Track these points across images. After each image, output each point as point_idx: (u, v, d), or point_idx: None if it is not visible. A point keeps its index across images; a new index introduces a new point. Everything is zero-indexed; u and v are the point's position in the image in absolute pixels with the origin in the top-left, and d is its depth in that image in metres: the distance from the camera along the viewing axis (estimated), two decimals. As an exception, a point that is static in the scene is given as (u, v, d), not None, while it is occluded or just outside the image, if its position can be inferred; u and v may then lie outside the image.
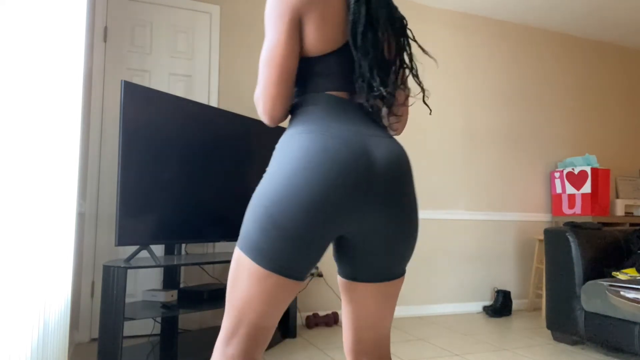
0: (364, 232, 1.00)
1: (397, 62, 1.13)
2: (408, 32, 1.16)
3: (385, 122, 1.13)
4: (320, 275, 3.61)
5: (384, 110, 1.11)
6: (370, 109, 1.07)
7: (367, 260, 1.03)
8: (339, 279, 1.11)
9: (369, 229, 0.99)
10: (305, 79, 1.08)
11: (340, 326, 3.47)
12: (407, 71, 1.20)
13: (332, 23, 1.05)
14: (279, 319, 1.01)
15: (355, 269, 1.05)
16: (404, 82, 1.16)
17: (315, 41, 1.04)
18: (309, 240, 0.93)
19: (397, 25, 1.13)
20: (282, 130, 3.22)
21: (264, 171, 3.09)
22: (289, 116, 1.11)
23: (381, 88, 1.04)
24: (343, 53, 1.06)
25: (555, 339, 3.12)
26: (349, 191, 0.93)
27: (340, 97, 1.06)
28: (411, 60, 1.16)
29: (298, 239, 0.92)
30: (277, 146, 1.04)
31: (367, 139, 0.99)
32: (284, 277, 0.95)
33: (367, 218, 0.98)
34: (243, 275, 0.96)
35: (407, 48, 1.16)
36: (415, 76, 1.16)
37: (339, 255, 1.08)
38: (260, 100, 1.04)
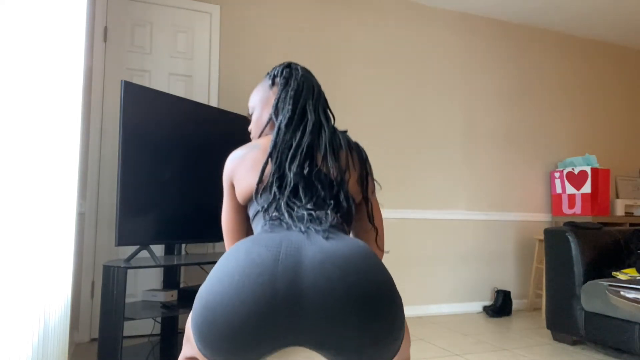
0: (316, 348, 0.93)
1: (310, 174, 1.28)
2: None
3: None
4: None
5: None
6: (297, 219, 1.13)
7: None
8: None
9: (317, 347, 0.92)
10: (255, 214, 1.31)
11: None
12: None
13: (252, 176, 1.31)
14: None
15: None
16: None
17: (246, 193, 1.31)
18: (234, 358, 0.92)
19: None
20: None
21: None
22: None
23: None
24: (267, 187, 1.27)
25: (555, 339, 3.12)
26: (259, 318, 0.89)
27: (273, 217, 1.20)
28: None
29: (223, 354, 0.92)
30: None
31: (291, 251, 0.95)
32: None
33: (310, 339, 0.91)
34: (189, 337, 1.05)
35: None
36: None
37: None
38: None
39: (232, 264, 0.93)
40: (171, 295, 2.59)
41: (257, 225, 1.15)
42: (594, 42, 4.87)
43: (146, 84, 3.25)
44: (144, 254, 2.97)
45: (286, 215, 1.07)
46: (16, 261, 1.04)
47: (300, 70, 1.32)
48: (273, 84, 1.34)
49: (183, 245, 3.08)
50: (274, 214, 1.10)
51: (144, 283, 3.16)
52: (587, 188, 4.09)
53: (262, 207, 1.13)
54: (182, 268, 3.17)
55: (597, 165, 4.18)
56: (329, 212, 1.09)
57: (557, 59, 4.66)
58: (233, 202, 1.29)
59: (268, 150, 1.19)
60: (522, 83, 4.49)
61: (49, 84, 1.33)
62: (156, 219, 2.44)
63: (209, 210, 2.73)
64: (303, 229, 1.01)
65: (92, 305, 3.03)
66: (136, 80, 3.23)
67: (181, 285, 3.12)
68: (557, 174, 4.37)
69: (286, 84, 1.30)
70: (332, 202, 1.12)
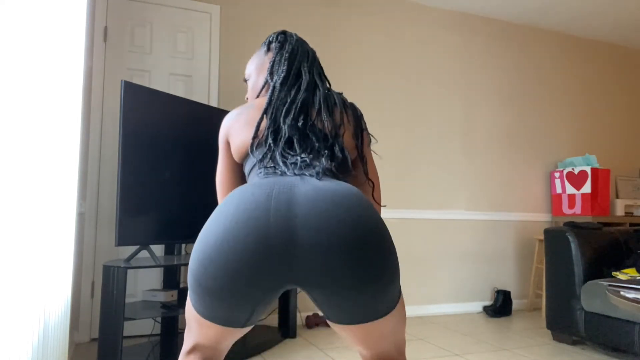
0: (310, 286, 0.92)
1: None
2: None
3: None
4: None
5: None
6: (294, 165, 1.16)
7: (333, 308, 0.95)
8: None
9: (312, 283, 0.91)
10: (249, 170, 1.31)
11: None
12: None
13: (247, 132, 1.31)
14: (229, 346, 1.07)
15: (327, 313, 0.98)
16: None
17: (241, 148, 1.31)
18: (235, 301, 0.92)
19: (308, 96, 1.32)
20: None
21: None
22: None
23: None
24: (260, 144, 1.29)
25: (555, 339, 3.12)
26: (259, 254, 0.88)
27: (268, 167, 1.20)
28: None
29: (222, 299, 0.92)
30: None
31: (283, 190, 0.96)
32: (219, 325, 0.98)
33: (299, 276, 0.90)
34: (190, 317, 1.03)
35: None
36: None
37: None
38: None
39: (227, 207, 0.94)
40: (171, 295, 2.59)
41: (253, 177, 1.16)
42: (594, 42, 4.87)
43: (146, 84, 3.25)
44: (144, 254, 2.97)
45: (281, 163, 1.08)
46: (16, 261, 1.04)
47: (294, 36, 1.35)
48: (268, 49, 1.36)
49: (183, 245, 3.08)
50: (269, 164, 1.11)
51: (144, 283, 3.16)
52: (587, 188, 4.09)
53: (257, 159, 1.15)
54: (182, 268, 3.17)
55: (597, 165, 4.18)
56: (322, 160, 1.10)
57: (557, 59, 4.66)
58: (229, 161, 1.29)
59: (263, 107, 1.21)
60: (522, 83, 4.49)
61: (49, 84, 1.33)
62: (156, 219, 2.44)
63: (209, 210, 2.73)
64: (297, 172, 1.04)
65: (92, 305, 3.03)
66: (136, 80, 3.23)
67: (181, 285, 3.12)
68: (557, 174, 4.37)
69: (281, 47, 1.32)
70: (326, 152, 1.13)
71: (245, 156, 1.22)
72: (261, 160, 1.14)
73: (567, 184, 4.27)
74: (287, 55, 1.29)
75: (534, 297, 4.22)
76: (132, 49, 3.23)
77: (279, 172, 1.08)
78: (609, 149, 4.84)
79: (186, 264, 2.44)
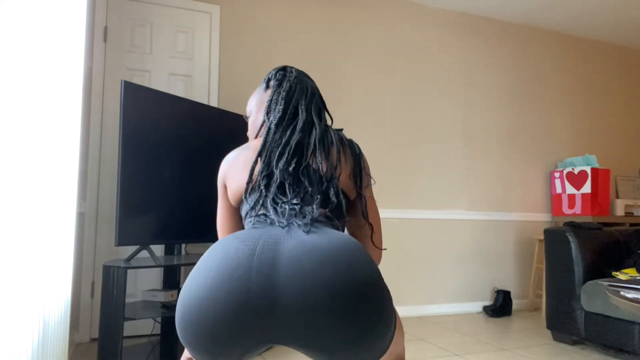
0: (296, 346, 0.90)
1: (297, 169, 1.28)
2: None
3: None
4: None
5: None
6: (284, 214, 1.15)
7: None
8: None
9: (298, 345, 0.89)
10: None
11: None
12: None
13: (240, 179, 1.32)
14: None
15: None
16: None
17: (236, 194, 1.31)
18: (216, 356, 0.90)
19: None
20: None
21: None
22: None
23: None
24: (253, 189, 1.29)
25: (555, 339, 3.11)
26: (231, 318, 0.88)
27: (260, 215, 1.20)
28: None
29: (204, 352, 0.91)
30: None
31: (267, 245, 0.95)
32: None
33: (289, 338, 0.88)
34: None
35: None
36: None
37: None
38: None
39: (210, 261, 0.93)
40: (171, 295, 2.59)
41: (247, 224, 1.16)
42: (594, 42, 4.87)
43: (146, 84, 3.25)
44: (144, 254, 2.97)
45: (271, 211, 1.07)
46: (16, 261, 1.04)
47: (294, 72, 1.33)
48: (267, 87, 1.35)
49: (183, 245, 3.08)
50: (260, 212, 1.10)
51: (144, 283, 3.16)
52: (587, 188, 4.09)
53: (250, 206, 1.15)
54: (182, 268, 3.17)
55: (597, 165, 4.18)
56: (314, 206, 1.07)
57: (557, 59, 4.66)
58: (226, 204, 1.29)
59: (258, 150, 1.20)
60: (522, 83, 4.49)
61: (49, 84, 1.33)
62: (156, 219, 2.44)
63: (209, 210, 2.73)
64: (285, 223, 1.00)
65: (92, 305, 3.03)
66: (136, 80, 3.23)
67: (181, 286, 3.12)
68: (557, 174, 4.37)
69: (279, 85, 1.31)
70: (319, 197, 1.11)
71: (241, 201, 1.21)
72: (253, 208, 1.13)
73: (567, 184, 4.27)
74: (284, 94, 1.27)
75: (534, 297, 4.22)
76: (132, 49, 3.23)
77: (269, 222, 1.06)
78: (609, 149, 4.84)
79: (186, 264, 2.44)
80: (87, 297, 3.01)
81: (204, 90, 3.40)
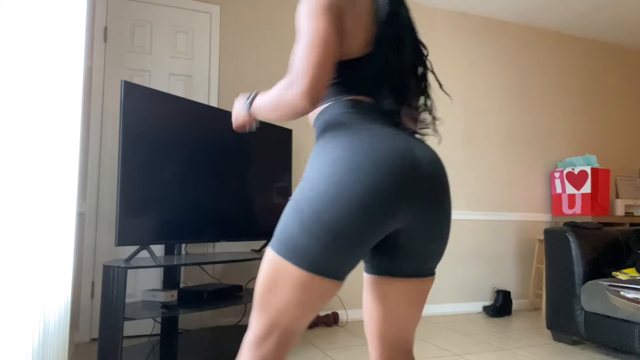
0: (409, 230, 0.99)
1: (420, 71, 1.18)
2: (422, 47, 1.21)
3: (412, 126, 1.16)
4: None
5: (410, 116, 1.15)
6: (397, 114, 1.09)
7: (407, 256, 1.03)
8: (369, 277, 1.08)
9: (413, 226, 0.99)
10: (332, 83, 1.08)
11: (340, 326, 3.47)
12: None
13: (363, 28, 1.06)
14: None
15: (394, 264, 1.04)
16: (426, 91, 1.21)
17: (347, 44, 1.04)
18: (361, 241, 0.92)
19: (418, 39, 1.19)
20: (284, 130, 3.22)
21: (264, 171, 3.09)
22: (315, 120, 1.11)
23: (408, 95, 1.12)
24: (371, 58, 1.08)
25: (555, 339, 3.11)
26: (396, 190, 0.92)
27: (368, 102, 1.08)
28: (426, 74, 1.22)
29: (349, 241, 0.91)
30: (315, 151, 1.01)
31: (408, 139, 0.99)
32: (330, 279, 0.93)
33: (413, 216, 0.97)
34: (283, 282, 0.94)
35: (426, 61, 1.21)
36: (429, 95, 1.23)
37: (376, 251, 1.06)
38: (300, 81, 0.94)
39: (380, 149, 0.94)
40: (171, 295, 2.59)
41: (364, 108, 1.06)
42: (594, 42, 4.87)
43: (146, 84, 3.25)
44: (144, 254, 2.96)
45: (395, 110, 1.09)
46: (16, 261, 1.04)
47: None
48: None
49: (183, 245, 3.08)
50: (381, 100, 1.09)
51: (144, 283, 3.16)
52: (587, 188, 4.09)
53: (369, 83, 1.08)
54: (182, 268, 3.17)
55: (597, 165, 4.18)
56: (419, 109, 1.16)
57: (557, 59, 4.66)
58: (337, 27, 1.00)
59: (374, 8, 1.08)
60: (522, 83, 4.49)
61: (49, 84, 1.33)
62: (156, 219, 2.44)
63: (209, 210, 2.73)
64: (410, 130, 1.11)
65: (92, 305, 3.03)
66: (136, 80, 3.23)
67: (181, 285, 3.12)
68: (557, 174, 4.37)
69: None
70: (424, 101, 1.17)
71: (351, 60, 1.06)
72: (360, 84, 1.08)
73: (567, 184, 4.27)
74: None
75: (534, 297, 4.22)
76: (132, 49, 3.23)
77: (379, 113, 1.06)
78: (609, 149, 4.84)
79: (186, 264, 2.44)
80: (87, 297, 3.02)
81: (204, 90, 3.40)
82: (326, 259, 0.91)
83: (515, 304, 4.25)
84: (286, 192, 3.25)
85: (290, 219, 0.94)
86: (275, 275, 0.95)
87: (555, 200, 4.40)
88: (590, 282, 2.83)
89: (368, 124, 1.00)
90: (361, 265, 3.92)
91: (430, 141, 3.28)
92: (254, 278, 3.44)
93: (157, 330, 3.14)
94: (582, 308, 2.86)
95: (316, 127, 1.09)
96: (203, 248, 3.32)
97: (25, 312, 1.14)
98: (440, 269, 4.02)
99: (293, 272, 0.93)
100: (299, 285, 0.93)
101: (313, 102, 0.95)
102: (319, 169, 0.95)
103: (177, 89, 3.33)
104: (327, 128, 1.04)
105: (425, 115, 1.17)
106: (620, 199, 4.58)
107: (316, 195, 0.92)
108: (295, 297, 0.93)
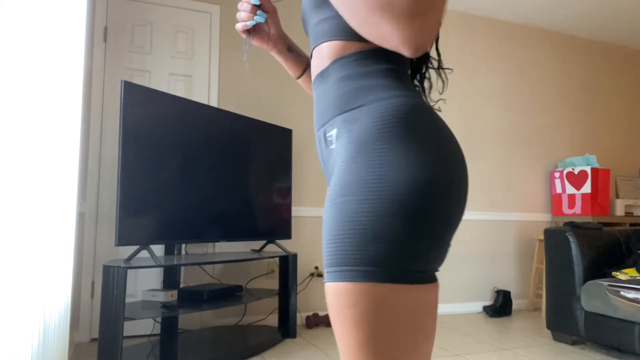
0: None
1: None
2: None
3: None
4: (320, 275, 3.61)
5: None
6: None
7: None
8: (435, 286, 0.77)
9: None
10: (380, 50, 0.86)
11: (340, 326, 3.46)
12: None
13: None
14: None
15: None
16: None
17: None
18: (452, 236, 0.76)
19: None
20: (284, 130, 3.22)
21: (264, 171, 3.09)
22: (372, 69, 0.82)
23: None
24: None
25: (555, 339, 3.11)
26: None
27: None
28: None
29: (450, 238, 0.74)
30: (399, 113, 0.74)
31: None
32: (435, 284, 0.73)
33: None
34: (402, 316, 0.67)
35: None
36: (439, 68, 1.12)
37: None
38: (415, 21, 0.66)
39: (455, 143, 0.78)
40: (171, 295, 2.59)
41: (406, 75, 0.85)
42: (594, 42, 4.87)
43: (146, 84, 3.25)
44: (144, 254, 2.96)
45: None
46: (16, 261, 1.04)
47: None
48: None
49: (183, 245, 3.08)
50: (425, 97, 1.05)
51: (144, 283, 3.16)
52: (587, 188, 4.09)
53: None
54: (182, 268, 3.17)
55: (597, 165, 4.18)
56: None
57: (557, 59, 4.66)
58: None
59: None
60: (522, 83, 4.49)
61: (49, 84, 1.33)
62: (156, 219, 2.44)
63: (209, 210, 2.73)
64: None
65: (92, 305, 3.03)
66: (136, 80, 3.23)
67: (181, 285, 3.12)
68: (557, 174, 4.37)
69: None
70: None
71: None
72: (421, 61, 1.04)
73: (567, 184, 4.27)
74: None
75: (534, 297, 4.22)
76: (132, 49, 3.23)
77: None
78: (609, 149, 4.84)
79: (186, 264, 2.44)
80: (87, 297, 3.02)
81: (204, 90, 3.40)
82: (438, 264, 0.73)
83: (515, 304, 4.25)
84: (286, 192, 3.25)
85: (398, 225, 0.68)
86: (382, 314, 0.67)
87: (555, 200, 4.40)
88: (590, 282, 2.83)
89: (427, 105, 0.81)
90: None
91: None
92: (254, 278, 3.44)
93: (157, 330, 3.14)
94: (582, 308, 2.86)
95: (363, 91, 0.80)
96: (203, 248, 3.32)
97: (25, 312, 1.14)
98: (440, 269, 4.02)
99: (410, 297, 0.68)
100: (422, 308, 0.69)
101: (418, 51, 0.71)
102: (426, 150, 0.72)
103: (177, 89, 3.33)
104: (377, 129, 0.75)
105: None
106: (620, 199, 4.58)
107: (436, 185, 0.70)
108: (418, 326, 0.69)
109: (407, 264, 0.68)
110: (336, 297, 0.69)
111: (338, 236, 0.70)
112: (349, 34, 0.84)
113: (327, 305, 0.74)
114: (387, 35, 0.69)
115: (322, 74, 0.86)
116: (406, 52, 0.69)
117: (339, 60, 0.83)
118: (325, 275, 0.73)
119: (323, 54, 0.86)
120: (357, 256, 0.68)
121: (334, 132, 0.81)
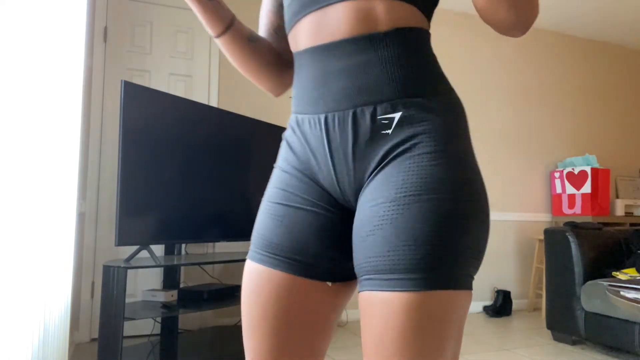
0: None
1: None
2: None
3: None
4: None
5: None
6: None
7: None
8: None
9: None
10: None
11: (341, 326, 3.47)
12: None
13: None
14: None
15: None
16: None
17: None
18: None
19: None
20: (284, 130, 3.22)
21: (264, 171, 3.09)
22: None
23: None
24: None
25: (555, 339, 3.11)
26: None
27: None
28: None
29: None
30: (464, 113, 0.74)
31: None
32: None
33: None
34: (463, 317, 0.66)
35: None
36: None
37: None
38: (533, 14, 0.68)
39: None
40: (171, 295, 2.59)
41: None
42: (594, 42, 4.87)
43: (146, 84, 3.25)
44: (144, 254, 2.96)
45: None
46: (16, 261, 1.04)
47: None
48: None
49: (183, 245, 3.08)
50: None
51: (144, 283, 3.16)
52: (587, 188, 4.09)
53: None
54: (182, 268, 3.17)
55: (597, 165, 4.18)
56: None
57: (557, 59, 4.66)
58: None
59: None
60: (521, 83, 4.49)
61: (49, 83, 1.33)
62: (156, 219, 2.44)
63: (209, 210, 2.73)
64: None
65: (92, 305, 3.03)
66: (136, 80, 3.23)
67: (181, 285, 3.12)
68: (557, 174, 4.37)
69: None
70: None
71: None
72: None
73: (567, 184, 4.27)
74: None
75: (534, 297, 4.22)
76: (132, 49, 3.23)
77: None
78: (609, 149, 4.84)
79: (186, 264, 2.44)
80: (87, 297, 3.01)
81: (204, 90, 3.40)
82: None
83: (515, 304, 4.25)
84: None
85: (478, 235, 0.66)
86: (455, 318, 0.65)
87: (555, 200, 4.40)
88: (590, 282, 2.83)
89: None
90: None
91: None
92: (254, 278, 3.43)
93: (157, 330, 3.14)
94: (582, 308, 2.86)
95: (429, 90, 0.71)
96: (203, 248, 3.32)
97: (25, 312, 1.14)
98: (440, 269, 4.02)
99: (467, 298, 0.66)
100: (464, 313, 0.67)
101: (525, 31, 0.71)
102: (473, 169, 0.69)
103: (177, 89, 3.33)
104: (456, 122, 0.72)
105: None
106: (620, 199, 4.58)
107: (483, 187, 0.70)
108: (461, 329, 0.67)
109: (475, 267, 0.67)
110: (446, 306, 0.63)
111: (438, 236, 0.63)
112: (427, 6, 0.74)
113: (408, 315, 0.62)
114: (533, 18, 0.67)
115: (374, 38, 0.69)
116: (521, 34, 0.69)
117: (404, 31, 0.70)
118: (419, 280, 0.62)
119: (375, 13, 0.69)
120: (466, 260, 0.65)
121: (396, 115, 0.68)
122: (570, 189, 4.24)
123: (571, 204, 4.23)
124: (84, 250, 3.02)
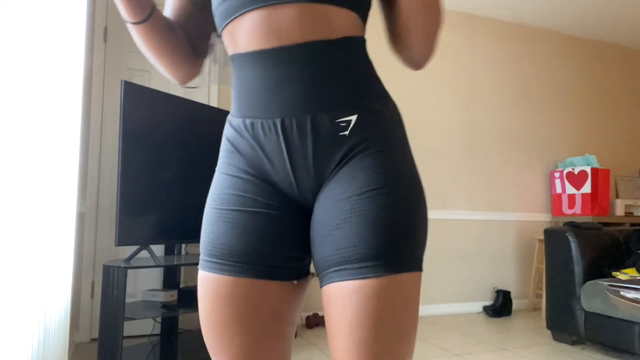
0: None
1: None
2: None
3: None
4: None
5: None
6: None
7: None
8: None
9: None
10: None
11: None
12: None
13: None
14: None
15: None
16: None
17: None
18: None
19: None
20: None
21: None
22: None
23: None
24: None
25: (555, 339, 3.11)
26: None
27: None
28: None
29: None
30: (399, 141, 0.77)
31: None
32: None
33: None
34: (419, 296, 0.74)
35: None
36: None
37: None
38: (434, 48, 0.82)
39: None
40: (171, 295, 2.59)
41: None
42: (594, 42, 4.87)
43: (146, 84, 3.25)
44: (144, 254, 2.96)
45: None
46: (17, 261, 1.04)
47: None
48: None
49: (183, 245, 3.08)
50: None
51: (144, 283, 3.16)
52: (587, 188, 4.09)
53: None
54: (182, 268, 3.17)
55: (597, 165, 4.18)
56: None
57: (557, 59, 4.66)
58: None
59: None
60: (522, 83, 4.49)
61: (49, 83, 1.33)
62: (156, 219, 2.44)
63: (209, 210, 2.73)
64: None
65: (92, 305, 3.03)
66: (136, 80, 3.23)
67: (181, 285, 3.12)
68: (557, 174, 4.37)
69: None
70: None
71: None
72: None
73: (567, 184, 4.27)
74: None
75: (534, 297, 4.22)
76: (132, 49, 3.23)
77: None
78: (609, 149, 4.84)
79: (186, 264, 2.44)
80: (87, 297, 3.01)
81: (204, 90, 3.40)
82: None
83: (515, 304, 4.25)
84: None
85: (426, 221, 0.76)
86: (416, 297, 0.71)
87: (555, 200, 4.40)
88: (590, 282, 2.83)
89: None
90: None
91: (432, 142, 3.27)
92: (254, 278, 3.43)
93: (157, 330, 3.14)
94: (582, 308, 2.86)
95: (380, 103, 0.77)
96: (203, 248, 3.32)
97: (25, 312, 1.14)
98: (440, 269, 4.02)
99: (420, 281, 0.73)
100: (420, 292, 0.74)
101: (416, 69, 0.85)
102: (412, 166, 0.77)
103: (177, 89, 3.33)
104: (400, 124, 0.80)
105: None
106: (620, 199, 4.58)
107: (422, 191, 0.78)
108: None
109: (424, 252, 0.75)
110: (412, 286, 0.69)
111: (402, 224, 0.70)
112: (365, 15, 0.79)
113: (381, 299, 0.66)
114: (431, 51, 0.80)
115: (330, 45, 0.71)
116: (419, 68, 0.82)
117: (355, 40, 0.76)
118: (388, 265, 0.67)
119: (332, 20, 0.72)
120: (421, 245, 0.72)
121: (352, 118, 0.72)
122: (570, 189, 4.24)
123: (571, 204, 4.23)
124: (84, 250, 3.02)
